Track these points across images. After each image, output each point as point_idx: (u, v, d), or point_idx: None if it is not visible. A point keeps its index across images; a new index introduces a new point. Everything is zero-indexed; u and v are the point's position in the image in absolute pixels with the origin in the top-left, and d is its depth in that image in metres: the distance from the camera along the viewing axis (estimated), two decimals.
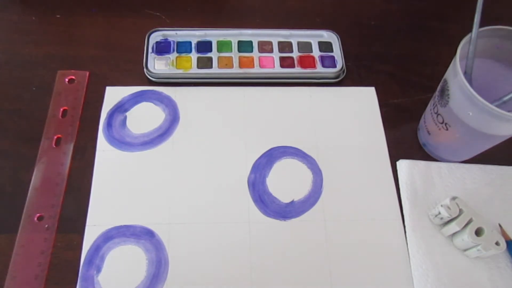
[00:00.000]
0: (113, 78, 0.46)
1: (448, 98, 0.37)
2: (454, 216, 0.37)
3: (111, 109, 0.44)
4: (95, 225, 0.38)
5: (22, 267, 0.36)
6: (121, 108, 0.44)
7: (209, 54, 0.47)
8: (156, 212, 0.39)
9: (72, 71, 0.46)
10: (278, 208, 0.40)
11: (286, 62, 0.47)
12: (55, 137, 0.42)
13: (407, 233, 0.39)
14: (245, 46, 0.48)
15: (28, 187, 0.39)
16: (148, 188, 0.40)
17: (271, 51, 0.48)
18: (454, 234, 0.38)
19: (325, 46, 0.49)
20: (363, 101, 0.47)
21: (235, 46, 0.48)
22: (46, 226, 0.38)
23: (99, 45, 0.48)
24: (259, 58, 0.47)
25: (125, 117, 0.44)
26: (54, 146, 0.41)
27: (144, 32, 0.48)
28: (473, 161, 0.43)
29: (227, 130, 0.44)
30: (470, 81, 0.33)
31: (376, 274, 0.38)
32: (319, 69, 0.47)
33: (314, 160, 0.43)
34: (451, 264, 0.38)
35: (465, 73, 0.34)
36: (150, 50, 0.47)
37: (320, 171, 0.42)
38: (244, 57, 0.47)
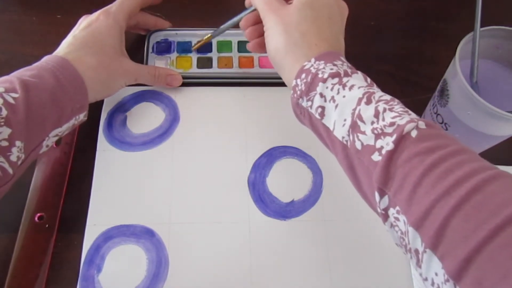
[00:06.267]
0: None
1: (448, 98, 0.37)
2: None
3: (111, 109, 0.44)
4: (96, 224, 0.38)
5: (22, 267, 0.36)
6: (122, 108, 0.44)
7: (209, 54, 0.47)
8: (156, 211, 0.39)
9: None
10: (278, 208, 0.40)
11: None
12: None
13: None
14: (245, 46, 0.48)
15: (29, 187, 0.39)
16: (148, 188, 0.40)
17: None
18: None
19: None
20: None
21: (235, 46, 0.48)
22: (47, 226, 0.38)
23: None
24: (259, 58, 0.47)
25: (126, 117, 0.44)
26: (54, 146, 0.41)
27: None
28: None
29: (227, 130, 0.44)
30: (478, 92, 0.33)
31: (376, 274, 0.38)
32: None
33: (314, 160, 0.43)
34: None
35: (472, 86, 0.34)
36: (150, 50, 0.47)
37: (320, 171, 0.42)
38: (244, 57, 0.47)
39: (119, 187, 0.40)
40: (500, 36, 0.36)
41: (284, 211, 0.40)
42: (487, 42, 0.36)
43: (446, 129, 0.39)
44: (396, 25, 0.53)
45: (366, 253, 0.39)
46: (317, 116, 0.31)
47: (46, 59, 0.36)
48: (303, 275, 0.38)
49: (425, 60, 0.51)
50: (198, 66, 0.47)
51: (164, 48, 0.47)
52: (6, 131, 0.30)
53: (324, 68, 0.30)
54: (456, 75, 0.34)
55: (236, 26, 0.41)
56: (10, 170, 0.31)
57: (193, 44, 0.47)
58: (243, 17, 0.38)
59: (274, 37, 0.34)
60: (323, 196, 0.41)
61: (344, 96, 0.29)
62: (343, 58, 0.32)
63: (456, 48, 0.35)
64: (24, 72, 0.34)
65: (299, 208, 0.40)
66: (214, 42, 0.48)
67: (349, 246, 0.39)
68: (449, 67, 0.37)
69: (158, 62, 0.46)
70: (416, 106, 0.46)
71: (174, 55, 0.47)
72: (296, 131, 0.44)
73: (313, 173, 0.42)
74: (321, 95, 0.30)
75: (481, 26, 0.35)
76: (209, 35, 0.45)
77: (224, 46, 0.48)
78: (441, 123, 0.39)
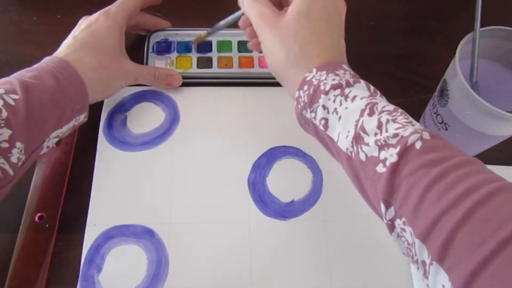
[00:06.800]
0: None
1: (448, 98, 0.37)
2: None
3: (111, 109, 0.44)
4: (96, 224, 0.38)
5: (23, 267, 0.36)
6: (122, 108, 0.44)
7: (209, 54, 0.47)
8: (156, 211, 0.39)
9: None
10: (278, 208, 0.40)
11: None
12: None
13: None
14: (245, 46, 0.48)
15: (29, 187, 0.40)
16: (148, 188, 0.40)
17: None
18: None
19: None
20: None
21: (235, 46, 0.48)
22: (47, 226, 0.38)
23: None
24: (259, 58, 0.47)
25: (126, 117, 0.44)
26: (54, 146, 0.41)
27: None
28: None
29: (227, 130, 0.44)
30: (478, 92, 0.33)
31: (376, 274, 0.38)
32: None
33: (314, 160, 0.43)
34: None
35: (471, 86, 0.34)
36: (150, 50, 0.47)
37: (320, 171, 0.42)
38: (244, 57, 0.47)
39: (119, 187, 0.40)
40: (500, 36, 0.36)
41: (284, 211, 0.40)
42: (487, 42, 0.36)
43: (446, 129, 0.39)
44: (396, 25, 0.53)
45: (366, 253, 0.39)
46: (321, 127, 0.30)
47: (46, 60, 0.36)
48: (303, 275, 0.38)
49: (425, 60, 0.51)
50: (198, 66, 0.47)
51: (164, 48, 0.47)
52: (7, 133, 0.30)
53: (326, 79, 0.30)
54: (456, 75, 0.34)
55: (233, 25, 0.40)
56: (11, 172, 0.31)
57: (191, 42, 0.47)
58: (242, 17, 0.38)
59: (273, 51, 0.33)
60: (323, 196, 0.41)
61: (346, 108, 0.29)
62: (345, 66, 0.32)
63: (456, 48, 0.35)
64: (24, 74, 0.34)
65: (299, 208, 0.40)
66: (214, 42, 0.48)
67: (349, 246, 0.39)
68: (449, 67, 0.37)
69: (158, 62, 0.46)
70: (416, 106, 0.46)
71: (174, 55, 0.47)
72: (296, 131, 0.44)
73: (313, 173, 0.42)
74: (324, 107, 0.30)
75: (481, 26, 0.35)
76: (205, 32, 0.45)
77: (224, 46, 0.48)
78: (441, 123, 0.39)
